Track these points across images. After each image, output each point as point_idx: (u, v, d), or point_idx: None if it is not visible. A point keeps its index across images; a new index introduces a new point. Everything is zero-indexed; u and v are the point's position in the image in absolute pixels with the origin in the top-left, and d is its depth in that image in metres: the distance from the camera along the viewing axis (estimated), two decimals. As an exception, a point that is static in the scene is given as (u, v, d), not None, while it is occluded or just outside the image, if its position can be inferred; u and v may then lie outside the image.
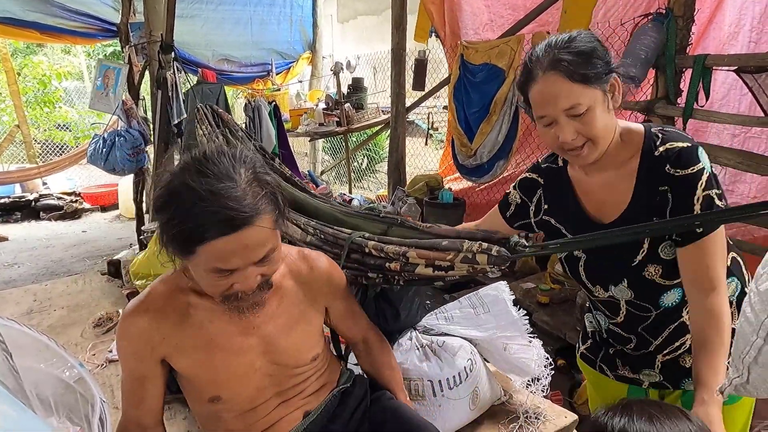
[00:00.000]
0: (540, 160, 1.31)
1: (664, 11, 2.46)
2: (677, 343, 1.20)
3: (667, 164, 1.03)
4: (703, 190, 1.00)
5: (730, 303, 1.12)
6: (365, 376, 1.40)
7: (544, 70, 1.03)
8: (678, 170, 1.01)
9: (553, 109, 1.03)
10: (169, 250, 0.94)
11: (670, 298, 1.15)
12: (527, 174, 1.31)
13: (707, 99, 2.34)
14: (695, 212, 1.00)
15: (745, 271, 1.22)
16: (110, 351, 2.04)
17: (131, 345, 1.05)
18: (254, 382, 1.11)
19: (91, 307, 2.43)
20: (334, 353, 1.64)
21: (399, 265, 1.19)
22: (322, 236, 1.35)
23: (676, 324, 1.18)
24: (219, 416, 1.13)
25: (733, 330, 0.94)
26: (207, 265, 0.91)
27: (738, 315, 1.09)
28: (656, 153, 1.05)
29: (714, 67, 2.29)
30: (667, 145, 1.04)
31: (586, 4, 2.84)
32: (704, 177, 1.00)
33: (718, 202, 1.00)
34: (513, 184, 1.35)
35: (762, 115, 2.31)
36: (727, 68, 2.34)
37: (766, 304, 0.58)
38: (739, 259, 1.21)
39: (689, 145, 1.03)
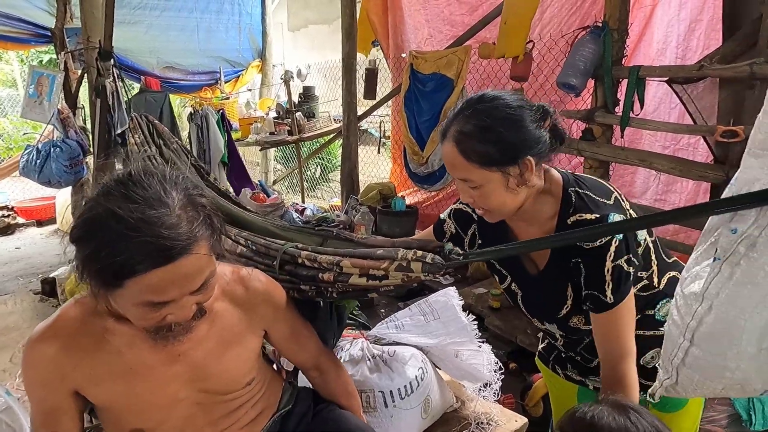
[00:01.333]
0: None
1: (600, 24, 2.58)
2: None
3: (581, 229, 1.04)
4: (612, 261, 1.01)
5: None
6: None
7: (445, 135, 1.06)
8: (586, 243, 1.03)
9: (452, 172, 1.07)
10: (91, 285, 0.84)
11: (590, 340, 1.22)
12: (462, 206, 1.30)
13: (642, 108, 2.46)
14: (606, 282, 1.03)
15: None
16: (42, 376, 1.91)
17: (38, 375, 0.94)
18: (180, 411, 1.03)
19: (22, 329, 2.27)
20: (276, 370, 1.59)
21: (332, 275, 1.17)
22: (254, 247, 1.30)
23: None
24: None
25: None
26: (138, 299, 0.83)
27: None
28: (568, 221, 1.07)
29: (647, 78, 2.41)
30: (577, 217, 1.06)
31: (525, 14, 2.93)
32: (612, 248, 1.01)
33: (626, 268, 1.02)
34: (447, 211, 1.34)
35: (691, 123, 2.45)
36: (659, 79, 2.47)
37: (690, 307, 0.61)
38: (679, 276, 1.22)
39: (598, 216, 1.04)
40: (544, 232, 1.13)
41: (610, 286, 1.02)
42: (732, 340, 0.58)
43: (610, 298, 1.03)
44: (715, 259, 0.60)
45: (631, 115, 2.45)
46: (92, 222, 0.81)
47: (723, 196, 0.63)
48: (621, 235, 1.02)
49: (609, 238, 1.02)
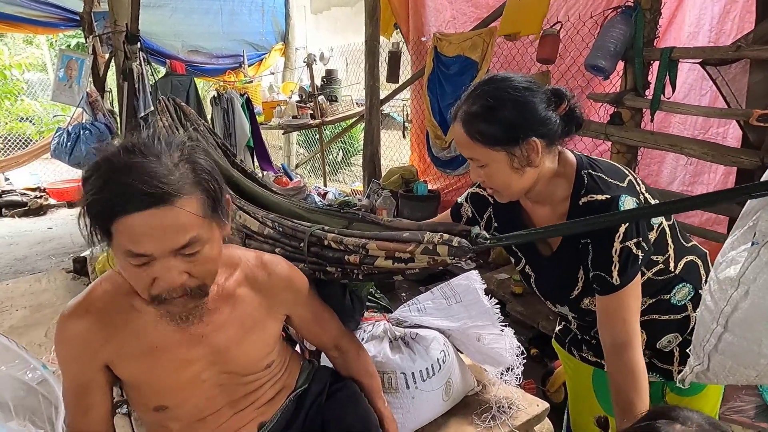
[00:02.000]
0: None
1: (632, 4, 2.49)
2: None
3: (592, 214, 1.05)
4: (621, 243, 1.01)
5: (684, 307, 1.17)
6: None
7: (455, 116, 1.09)
8: (582, 242, 1.08)
9: (461, 152, 1.10)
10: (94, 234, 0.85)
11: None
12: (478, 189, 1.30)
13: (674, 91, 2.39)
14: (614, 263, 1.03)
15: (703, 272, 1.22)
16: (75, 351, 1.98)
17: (71, 349, 0.97)
18: (202, 392, 1.05)
19: (56, 306, 2.35)
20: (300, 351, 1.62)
21: (358, 257, 1.17)
22: (281, 229, 1.32)
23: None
24: (165, 425, 1.07)
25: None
26: (121, 249, 0.82)
27: (693, 315, 1.13)
28: (579, 203, 1.07)
29: (680, 60, 2.33)
30: (588, 198, 1.06)
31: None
32: (622, 229, 1.01)
33: (635, 251, 1.02)
34: (464, 195, 1.35)
35: (725, 107, 2.36)
36: (692, 61, 2.39)
37: (725, 292, 0.59)
38: (697, 260, 1.21)
39: (609, 197, 1.04)
40: (558, 214, 1.13)
41: (617, 267, 1.02)
42: (768, 327, 0.56)
43: (616, 280, 1.03)
44: (753, 244, 0.58)
45: (662, 98, 2.38)
46: (92, 167, 0.84)
47: (764, 179, 0.61)
48: None
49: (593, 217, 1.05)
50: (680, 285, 1.16)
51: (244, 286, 1.09)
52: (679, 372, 1.20)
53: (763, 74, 2.13)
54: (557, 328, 1.50)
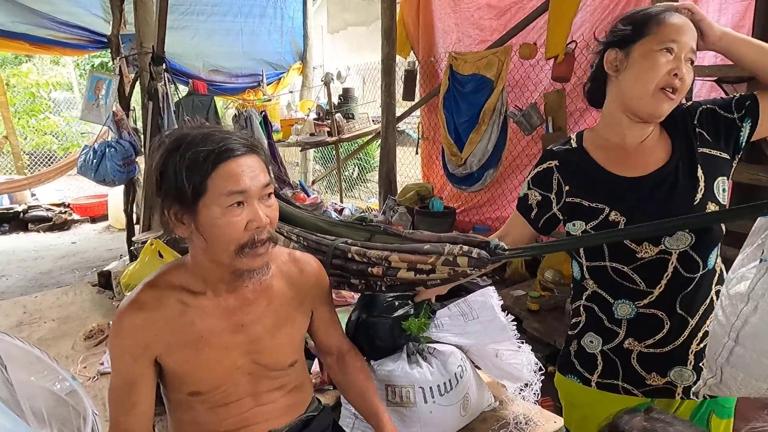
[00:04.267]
0: (551, 147, 1.29)
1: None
2: (706, 327, 1.11)
3: (676, 110, 1.13)
4: (703, 105, 1.13)
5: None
6: (331, 410, 1.43)
7: (671, 11, 1.09)
8: (682, 106, 1.15)
9: (686, 41, 1.07)
10: (173, 211, 1.00)
11: (713, 256, 1.12)
12: (537, 168, 1.28)
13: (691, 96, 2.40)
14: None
15: None
16: (101, 363, 2.04)
17: (126, 343, 1.04)
18: (234, 378, 1.13)
19: (82, 319, 2.42)
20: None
21: (381, 269, 1.22)
22: (305, 243, 1.37)
23: (709, 298, 1.11)
24: (192, 406, 1.14)
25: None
26: (221, 191, 0.97)
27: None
28: (674, 113, 1.14)
29: (696, 78, 2.35)
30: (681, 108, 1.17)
31: (566, 13, 2.91)
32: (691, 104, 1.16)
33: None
34: (524, 184, 1.31)
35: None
36: (708, 79, 2.40)
37: (735, 307, 0.61)
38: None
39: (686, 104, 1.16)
40: (655, 136, 1.16)
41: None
42: (778, 341, 0.58)
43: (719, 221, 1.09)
44: (761, 260, 0.61)
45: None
46: (171, 146, 0.99)
47: (770, 199, 0.63)
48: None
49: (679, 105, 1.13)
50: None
51: (279, 279, 1.18)
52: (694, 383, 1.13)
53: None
54: (595, 376, 1.23)
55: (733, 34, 1.09)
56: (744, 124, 1.10)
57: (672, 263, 1.10)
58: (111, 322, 2.36)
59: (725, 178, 1.11)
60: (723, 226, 1.11)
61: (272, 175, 1.07)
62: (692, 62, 1.08)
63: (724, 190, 1.11)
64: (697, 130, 1.13)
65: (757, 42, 1.07)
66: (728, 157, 1.12)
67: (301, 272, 1.22)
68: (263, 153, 1.06)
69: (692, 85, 2.36)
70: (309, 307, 1.26)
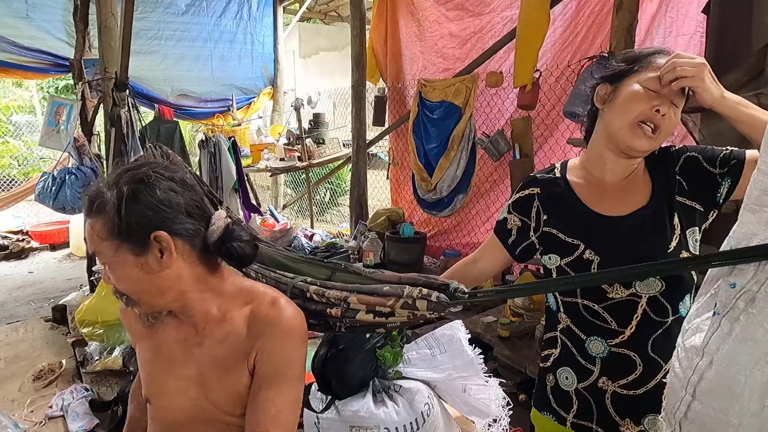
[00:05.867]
0: (535, 174, 1.29)
1: (606, 54, 2.60)
2: None
3: (661, 153, 1.15)
4: (686, 151, 1.12)
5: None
6: None
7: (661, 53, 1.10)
8: (670, 150, 1.15)
9: (675, 84, 1.05)
10: None
11: (686, 305, 1.11)
12: (519, 193, 1.28)
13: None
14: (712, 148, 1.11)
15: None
16: (50, 407, 1.92)
17: (122, 317, 1.18)
18: (188, 410, 1.06)
19: (32, 358, 2.29)
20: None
21: (340, 311, 1.17)
22: (264, 281, 1.32)
23: None
24: (150, 417, 1.12)
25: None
26: None
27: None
28: (655, 153, 1.15)
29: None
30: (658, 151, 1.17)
31: (532, 44, 2.98)
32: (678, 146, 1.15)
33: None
34: (504, 208, 1.30)
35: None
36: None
37: (691, 361, 0.60)
38: None
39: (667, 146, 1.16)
40: (636, 177, 1.15)
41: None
42: (733, 397, 0.57)
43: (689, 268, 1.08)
44: (715, 314, 0.60)
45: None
46: None
47: (722, 248, 0.63)
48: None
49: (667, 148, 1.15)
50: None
51: (245, 322, 1.05)
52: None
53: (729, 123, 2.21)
54: (571, 416, 1.21)
55: (732, 99, 1.06)
56: (723, 182, 1.07)
57: (642, 306, 1.10)
58: (63, 362, 2.23)
59: (697, 229, 1.10)
60: (695, 276, 1.11)
61: (117, 235, 0.92)
62: (678, 106, 1.06)
63: (696, 240, 1.10)
64: (677, 177, 1.11)
65: (749, 113, 1.04)
66: (702, 209, 1.10)
67: (269, 316, 1.04)
68: (107, 214, 0.92)
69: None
70: (254, 357, 1.04)
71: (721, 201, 1.08)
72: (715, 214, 1.12)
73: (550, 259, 1.20)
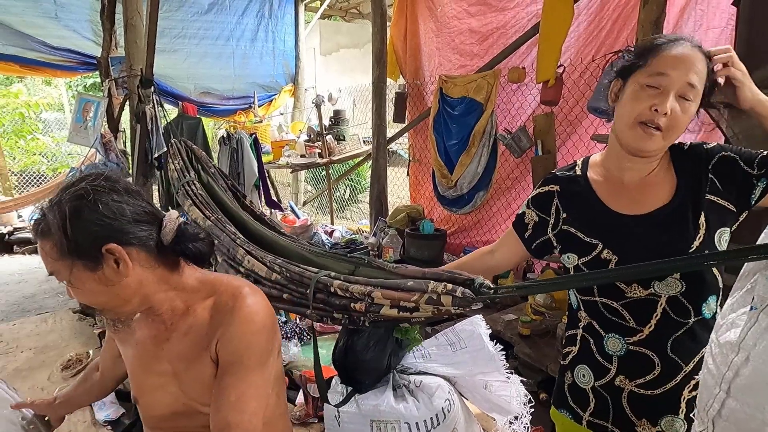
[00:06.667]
0: (555, 172, 1.28)
1: (632, 48, 2.55)
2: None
3: (692, 150, 1.12)
4: (720, 150, 1.08)
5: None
6: None
7: (681, 40, 1.04)
8: (702, 147, 1.11)
9: (678, 75, 1.01)
10: None
11: (710, 306, 1.08)
12: (539, 189, 1.27)
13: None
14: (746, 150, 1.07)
15: None
16: (78, 395, 1.97)
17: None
18: (170, 405, 1.07)
19: (60, 348, 2.35)
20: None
21: (364, 305, 1.17)
22: (288, 274, 1.33)
23: (705, 347, 1.03)
24: (141, 417, 1.14)
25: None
26: None
27: None
28: (684, 148, 1.13)
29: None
30: (686, 145, 1.14)
31: (555, 39, 2.93)
32: (711, 146, 1.11)
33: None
34: (525, 202, 1.30)
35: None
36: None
37: (726, 357, 0.58)
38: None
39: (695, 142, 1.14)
40: (660, 172, 1.11)
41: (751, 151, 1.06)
42: (771, 394, 0.55)
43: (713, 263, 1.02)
44: (752, 308, 0.58)
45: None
46: None
47: (759, 242, 0.61)
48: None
49: (699, 144, 1.11)
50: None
51: (208, 314, 1.04)
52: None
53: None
54: (587, 414, 1.20)
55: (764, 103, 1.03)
56: (759, 183, 1.03)
57: (661, 305, 1.07)
58: (91, 352, 2.29)
59: (728, 229, 1.07)
60: (719, 278, 1.08)
61: (69, 254, 0.92)
62: (688, 98, 1.01)
63: (726, 240, 1.06)
64: (710, 175, 1.07)
65: None
66: (734, 210, 1.06)
67: (229, 308, 1.02)
68: (54, 235, 0.92)
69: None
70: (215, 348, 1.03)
71: (753, 202, 1.05)
72: (745, 216, 1.08)
73: (568, 258, 1.19)
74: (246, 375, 0.98)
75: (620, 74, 1.11)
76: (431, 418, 1.47)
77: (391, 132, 4.67)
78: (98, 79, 8.08)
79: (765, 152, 1.04)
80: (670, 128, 1.03)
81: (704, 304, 1.07)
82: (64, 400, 1.31)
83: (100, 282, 0.94)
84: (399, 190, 5.96)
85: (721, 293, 1.09)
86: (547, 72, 3.02)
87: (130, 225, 0.96)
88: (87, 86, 9.70)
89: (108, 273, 0.93)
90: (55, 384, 2.06)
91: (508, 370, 1.62)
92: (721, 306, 1.06)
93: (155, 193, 4.54)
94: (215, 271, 1.57)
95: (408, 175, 4.95)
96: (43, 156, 8.45)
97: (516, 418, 1.66)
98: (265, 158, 5.10)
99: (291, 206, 5.30)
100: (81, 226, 0.91)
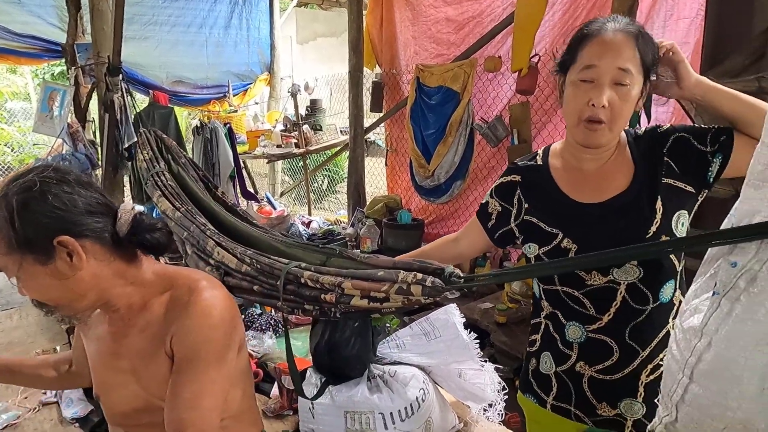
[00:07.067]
0: (517, 162, 1.28)
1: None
2: (659, 360, 1.10)
3: (647, 134, 1.12)
4: (674, 131, 1.08)
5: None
6: None
7: (614, 28, 1.02)
8: (657, 130, 1.12)
9: (607, 64, 1.00)
10: None
11: (667, 291, 1.09)
12: (502, 179, 1.27)
13: (649, 120, 2.43)
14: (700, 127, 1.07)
15: None
16: (44, 393, 1.91)
17: None
18: (131, 402, 1.03)
19: (26, 344, 2.28)
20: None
21: (334, 296, 1.16)
22: (258, 266, 1.30)
23: (664, 331, 1.10)
24: (105, 415, 1.11)
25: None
26: None
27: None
28: (639, 134, 1.14)
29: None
30: (640, 129, 1.15)
31: (529, 28, 2.94)
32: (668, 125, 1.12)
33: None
34: (489, 192, 1.30)
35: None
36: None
37: (689, 342, 0.58)
38: None
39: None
40: (617, 160, 1.11)
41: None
42: (733, 379, 0.55)
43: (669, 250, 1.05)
44: (714, 293, 0.58)
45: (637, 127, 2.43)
46: None
47: (722, 227, 0.61)
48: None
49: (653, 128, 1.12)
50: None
51: (164, 308, 1.01)
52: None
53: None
54: (551, 398, 1.23)
55: (707, 83, 1.03)
56: (714, 159, 1.03)
57: (621, 293, 1.09)
58: (58, 348, 2.22)
59: (686, 212, 1.07)
60: (677, 263, 1.09)
61: (18, 248, 0.88)
62: (624, 84, 1.00)
63: (683, 224, 1.06)
64: (665, 158, 1.07)
65: (731, 92, 1.02)
66: (693, 191, 1.06)
67: (183, 304, 0.98)
68: (1, 229, 0.88)
69: (651, 98, 2.41)
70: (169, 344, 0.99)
71: (711, 180, 1.05)
72: (704, 195, 1.09)
73: (530, 248, 1.19)
74: (203, 371, 0.95)
75: (559, 71, 1.11)
76: (405, 408, 1.46)
77: (368, 122, 4.64)
78: (65, 68, 7.85)
79: (715, 126, 1.04)
80: (614, 119, 1.02)
81: (662, 289, 1.08)
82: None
83: (53, 276, 0.90)
84: (377, 180, 5.94)
85: (678, 276, 1.10)
86: (521, 61, 3.03)
87: (83, 216, 0.92)
88: (55, 74, 9.38)
89: (60, 266, 0.89)
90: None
91: (483, 358, 1.63)
92: (681, 289, 1.08)
93: (126, 184, 4.43)
94: (185, 263, 1.53)
95: (386, 165, 4.94)
96: (8, 146, 8.17)
97: (490, 405, 1.67)
98: (240, 148, 5.01)
99: (267, 197, 5.23)
100: (30, 218, 0.87)
